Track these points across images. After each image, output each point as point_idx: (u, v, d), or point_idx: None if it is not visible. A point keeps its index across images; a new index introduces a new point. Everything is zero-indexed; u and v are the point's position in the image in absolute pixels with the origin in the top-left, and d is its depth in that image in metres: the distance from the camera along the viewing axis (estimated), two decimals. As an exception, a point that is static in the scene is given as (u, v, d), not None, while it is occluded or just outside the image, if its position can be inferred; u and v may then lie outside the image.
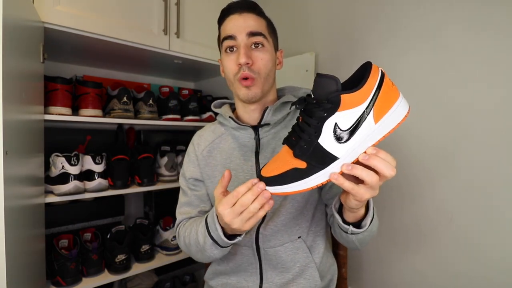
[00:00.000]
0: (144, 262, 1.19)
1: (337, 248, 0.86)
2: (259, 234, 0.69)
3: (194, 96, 1.37)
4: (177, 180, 1.28)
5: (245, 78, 0.65)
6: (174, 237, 1.26)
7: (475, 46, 0.87)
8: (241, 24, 0.66)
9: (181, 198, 0.80)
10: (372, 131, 0.42)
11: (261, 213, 0.48)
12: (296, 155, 0.45)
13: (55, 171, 1.00)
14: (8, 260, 0.57)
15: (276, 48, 0.72)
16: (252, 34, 0.65)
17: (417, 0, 0.99)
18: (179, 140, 1.51)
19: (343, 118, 0.42)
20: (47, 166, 1.01)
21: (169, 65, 1.36)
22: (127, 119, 1.16)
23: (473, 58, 0.88)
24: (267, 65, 0.67)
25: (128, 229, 1.26)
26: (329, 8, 1.28)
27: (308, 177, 0.44)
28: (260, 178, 0.47)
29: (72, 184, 0.99)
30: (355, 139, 0.42)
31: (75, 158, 1.01)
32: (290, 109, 0.69)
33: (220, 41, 0.71)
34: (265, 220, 0.68)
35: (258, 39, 0.66)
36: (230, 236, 0.57)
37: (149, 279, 1.33)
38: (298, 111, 0.74)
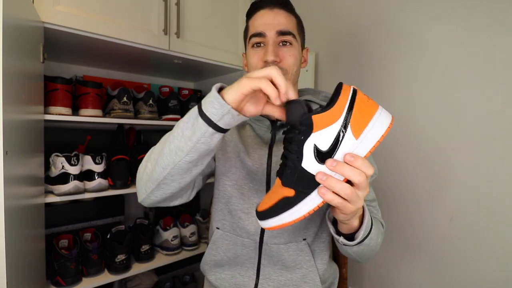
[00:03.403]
0: (144, 262, 1.19)
1: (337, 248, 0.85)
2: (265, 229, 0.67)
3: (194, 96, 1.37)
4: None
5: None
6: (175, 237, 1.26)
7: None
8: (271, 21, 0.65)
9: None
10: (356, 146, 0.42)
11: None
12: (284, 184, 0.45)
13: (55, 171, 1.00)
14: (8, 260, 0.57)
15: (302, 46, 0.73)
16: (281, 33, 0.65)
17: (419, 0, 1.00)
18: (179, 140, 1.50)
19: (320, 138, 0.42)
20: (47, 166, 1.01)
21: (169, 65, 1.36)
22: (127, 119, 1.15)
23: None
24: (295, 62, 0.67)
25: (128, 229, 1.26)
26: (329, 8, 1.28)
27: (297, 204, 0.43)
28: (257, 213, 0.46)
29: (72, 184, 0.99)
30: (338, 157, 0.42)
31: (75, 158, 1.01)
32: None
33: (246, 35, 0.71)
34: None
35: (287, 38, 0.66)
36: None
37: (149, 279, 1.33)
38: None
